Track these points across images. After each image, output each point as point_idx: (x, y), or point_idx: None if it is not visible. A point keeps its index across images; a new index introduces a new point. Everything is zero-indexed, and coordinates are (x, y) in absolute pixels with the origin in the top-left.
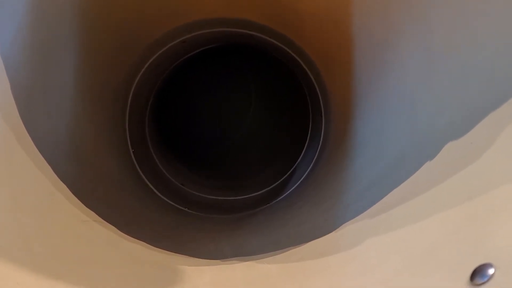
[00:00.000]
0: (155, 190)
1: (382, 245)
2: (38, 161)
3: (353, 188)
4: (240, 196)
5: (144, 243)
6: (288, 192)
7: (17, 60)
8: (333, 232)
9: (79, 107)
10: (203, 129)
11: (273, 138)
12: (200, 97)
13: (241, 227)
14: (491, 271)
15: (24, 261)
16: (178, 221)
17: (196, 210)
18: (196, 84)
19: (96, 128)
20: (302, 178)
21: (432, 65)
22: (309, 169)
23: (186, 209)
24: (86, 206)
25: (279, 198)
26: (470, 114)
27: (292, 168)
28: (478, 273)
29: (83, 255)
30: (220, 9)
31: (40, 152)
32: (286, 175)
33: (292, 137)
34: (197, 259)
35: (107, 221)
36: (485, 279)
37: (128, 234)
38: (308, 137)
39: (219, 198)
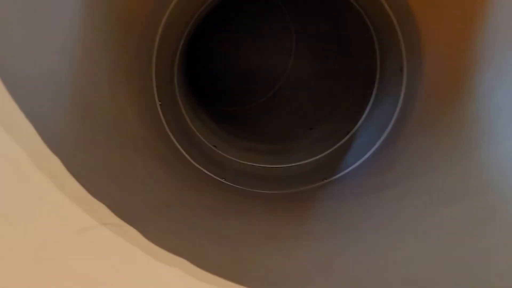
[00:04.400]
0: (187, 156)
1: None
2: None
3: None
4: (285, 164)
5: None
6: (352, 167)
7: None
8: None
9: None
10: (239, 80)
11: (324, 91)
12: (235, 43)
13: (309, 217)
14: None
15: None
16: (219, 198)
17: (234, 181)
18: (230, 28)
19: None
20: (373, 149)
21: None
22: (381, 140)
23: (223, 180)
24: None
25: (342, 173)
26: None
27: (352, 132)
28: None
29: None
30: None
31: None
32: (344, 140)
33: (352, 93)
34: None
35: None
36: None
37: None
38: (373, 95)
39: (259, 165)
